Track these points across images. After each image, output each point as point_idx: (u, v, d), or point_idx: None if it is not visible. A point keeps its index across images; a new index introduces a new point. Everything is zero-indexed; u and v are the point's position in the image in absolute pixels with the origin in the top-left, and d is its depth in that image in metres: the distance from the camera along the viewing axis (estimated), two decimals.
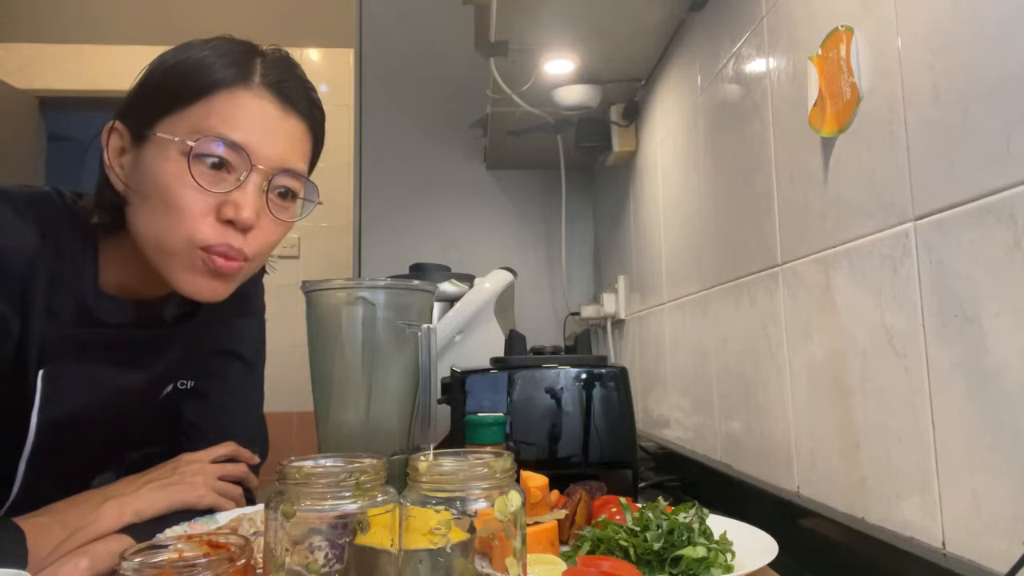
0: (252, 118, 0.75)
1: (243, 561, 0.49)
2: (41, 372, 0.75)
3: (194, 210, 0.72)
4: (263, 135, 0.75)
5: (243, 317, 1.00)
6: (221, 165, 0.73)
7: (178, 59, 0.76)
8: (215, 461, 0.86)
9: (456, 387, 1.05)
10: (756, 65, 1.02)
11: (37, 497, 0.75)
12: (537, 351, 1.16)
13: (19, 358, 0.74)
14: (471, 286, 1.56)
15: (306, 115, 0.81)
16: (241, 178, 0.74)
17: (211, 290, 0.76)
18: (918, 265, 0.65)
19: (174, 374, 0.90)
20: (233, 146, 0.73)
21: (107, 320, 0.79)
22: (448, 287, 1.56)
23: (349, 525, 0.48)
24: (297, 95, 0.79)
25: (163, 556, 0.49)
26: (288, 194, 0.79)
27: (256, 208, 0.75)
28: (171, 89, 0.75)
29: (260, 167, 0.75)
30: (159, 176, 0.73)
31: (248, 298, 1.01)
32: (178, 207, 0.72)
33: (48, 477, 0.80)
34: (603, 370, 1.04)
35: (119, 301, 0.80)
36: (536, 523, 0.72)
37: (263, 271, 1.04)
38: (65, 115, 3.53)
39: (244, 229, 0.75)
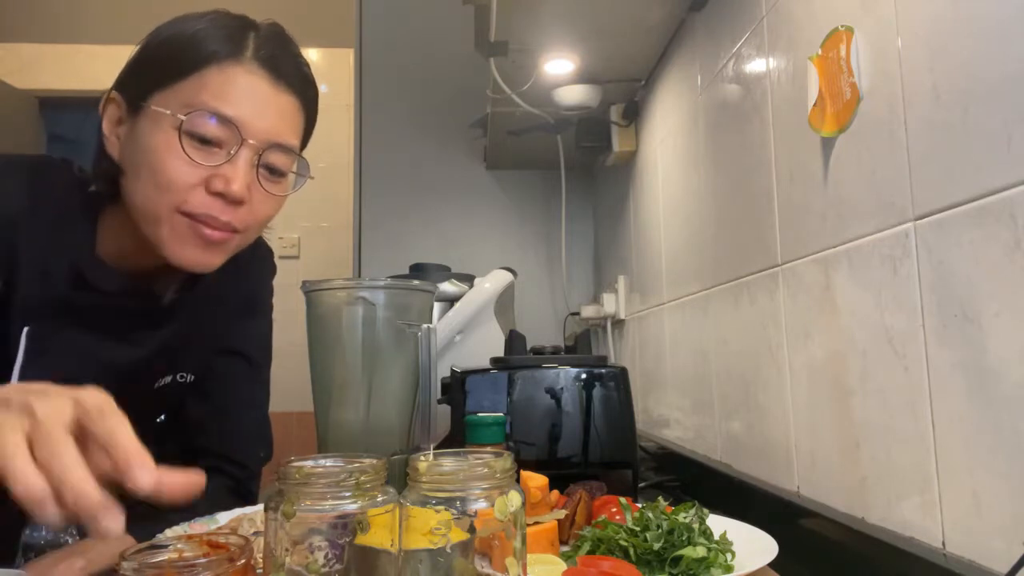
0: (243, 93, 0.75)
1: (243, 561, 0.49)
2: (26, 329, 0.76)
3: (183, 182, 0.73)
4: (254, 110, 0.76)
5: (249, 317, 1.00)
6: (212, 139, 0.74)
7: (173, 32, 0.77)
8: None
9: (456, 387, 1.05)
10: (756, 65, 1.02)
11: None
12: (537, 351, 1.16)
13: (3, 314, 0.75)
14: (471, 286, 1.56)
15: (298, 90, 0.81)
16: (232, 152, 0.74)
17: (200, 259, 0.77)
18: (918, 265, 0.65)
19: (172, 363, 0.90)
20: (224, 121, 0.74)
21: (99, 287, 0.80)
22: (448, 287, 1.56)
23: (349, 525, 0.48)
24: (289, 70, 0.79)
25: (163, 556, 0.49)
26: (279, 167, 0.79)
27: (247, 182, 0.75)
28: (165, 62, 0.76)
29: (251, 141, 0.75)
30: (151, 148, 0.74)
31: (255, 298, 1.01)
32: (167, 178, 0.73)
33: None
34: (603, 370, 1.04)
35: (114, 271, 0.81)
36: (536, 523, 0.72)
37: (273, 271, 1.04)
38: (65, 115, 3.53)
39: (234, 202, 0.75)
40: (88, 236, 0.80)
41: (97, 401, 0.48)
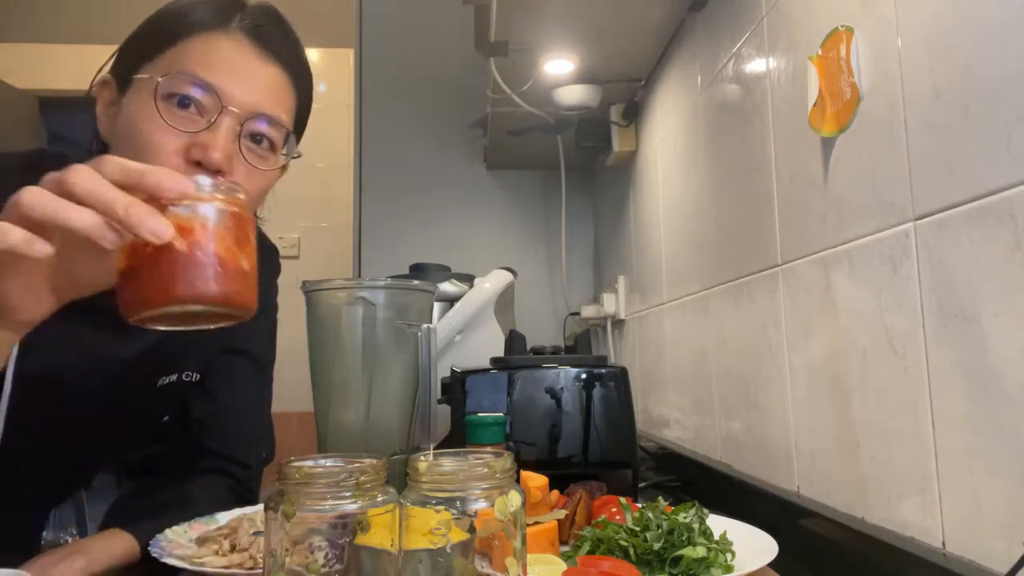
0: (226, 60, 0.74)
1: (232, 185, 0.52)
2: None
3: (160, 147, 0.70)
4: (236, 78, 0.74)
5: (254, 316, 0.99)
6: (190, 105, 0.71)
7: (164, 8, 0.76)
8: None
9: (456, 387, 1.05)
10: (756, 65, 1.02)
11: (20, 466, 0.73)
12: (537, 351, 1.16)
13: None
14: (471, 286, 1.56)
15: (287, 64, 0.78)
16: (212, 120, 0.72)
17: None
18: (918, 265, 0.65)
19: (175, 361, 0.89)
20: (203, 86, 0.71)
21: None
22: (448, 287, 1.56)
23: (349, 525, 0.48)
24: (277, 42, 0.77)
25: None
26: (264, 142, 0.76)
27: (227, 152, 0.72)
28: (151, 34, 0.75)
29: (233, 110, 0.72)
30: (132, 117, 0.72)
31: (260, 297, 1.00)
32: (146, 146, 0.70)
33: (32, 444, 0.77)
34: (603, 370, 1.04)
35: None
36: (536, 523, 0.72)
37: (277, 270, 1.04)
38: (65, 115, 3.52)
39: (213, 172, 0.71)
40: None
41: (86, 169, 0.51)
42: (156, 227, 0.48)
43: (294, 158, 0.80)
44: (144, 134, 0.71)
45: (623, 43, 1.48)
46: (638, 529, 0.68)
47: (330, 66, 3.41)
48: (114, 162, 0.50)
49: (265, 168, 0.77)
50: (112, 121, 0.76)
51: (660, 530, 0.68)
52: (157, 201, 0.49)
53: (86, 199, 0.49)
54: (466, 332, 1.49)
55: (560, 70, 1.59)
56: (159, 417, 0.94)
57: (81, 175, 0.49)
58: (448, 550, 0.46)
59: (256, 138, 0.76)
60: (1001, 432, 0.56)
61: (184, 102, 0.71)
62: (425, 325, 0.82)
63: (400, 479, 0.51)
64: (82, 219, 0.48)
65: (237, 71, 0.74)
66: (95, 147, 0.78)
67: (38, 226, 0.49)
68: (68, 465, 0.85)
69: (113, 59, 0.78)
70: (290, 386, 1.47)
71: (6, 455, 0.76)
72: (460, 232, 2.34)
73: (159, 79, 0.71)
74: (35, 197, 0.49)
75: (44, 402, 0.78)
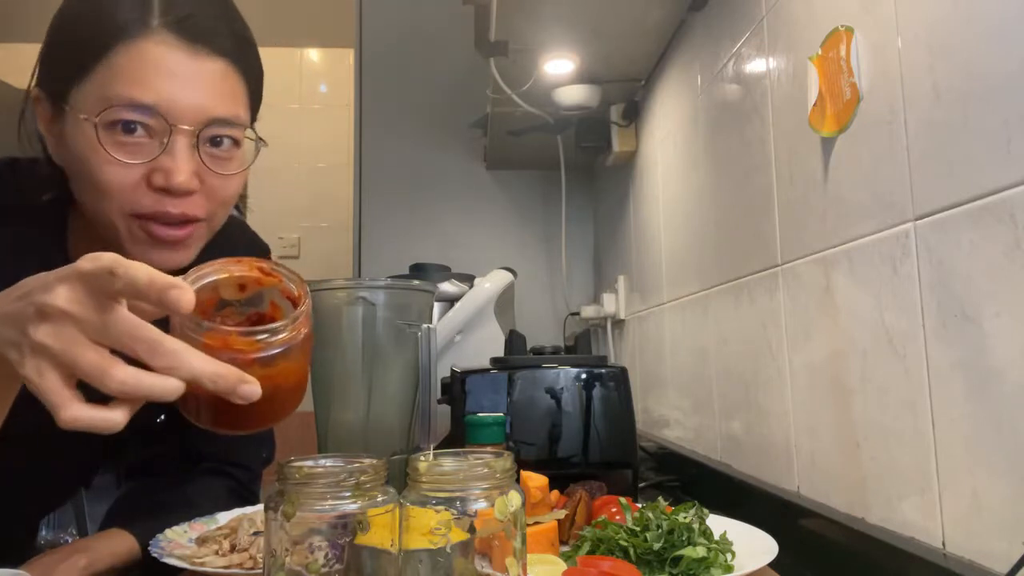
0: (158, 71, 0.66)
1: (305, 307, 0.50)
2: None
3: (120, 184, 0.66)
4: (176, 88, 0.67)
5: None
6: (137, 130, 0.66)
7: (74, 10, 0.70)
8: None
9: (456, 387, 1.05)
10: (756, 65, 1.02)
11: (12, 469, 0.73)
12: (537, 351, 1.16)
13: None
14: (471, 286, 1.56)
15: (226, 51, 0.70)
16: (164, 141, 0.66)
17: (169, 260, 0.70)
18: (918, 265, 0.65)
19: None
20: (145, 110, 0.65)
21: None
22: (448, 287, 1.56)
23: (349, 525, 0.48)
24: (209, 30, 0.69)
25: (212, 278, 0.50)
26: (225, 141, 0.71)
27: (191, 170, 0.67)
28: (71, 50, 0.68)
29: (183, 127, 0.67)
30: (79, 155, 0.67)
31: None
32: (104, 184, 0.66)
33: (23, 449, 0.77)
34: (603, 370, 1.04)
35: None
36: (536, 523, 0.72)
37: None
38: None
39: (182, 195, 0.68)
40: (58, 239, 0.75)
41: (95, 266, 0.47)
42: (247, 393, 0.47)
43: (262, 146, 0.75)
44: (96, 173, 0.66)
45: (623, 43, 1.48)
46: (638, 529, 0.68)
47: (330, 66, 3.41)
48: (196, 326, 0.47)
49: (232, 172, 0.72)
50: (60, 143, 0.71)
51: (660, 530, 0.68)
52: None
53: (170, 369, 0.45)
54: (466, 332, 1.49)
55: (560, 70, 1.59)
56: (155, 419, 0.94)
57: (170, 348, 0.45)
58: (448, 550, 0.46)
59: (216, 141, 0.71)
60: (1001, 432, 0.56)
61: (130, 127, 0.66)
62: (425, 325, 0.82)
63: (400, 479, 0.51)
64: (169, 386, 0.45)
65: (175, 78, 0.67)
66: (45, 169, 0.73)
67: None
68: (61, 468, 0.85)
69: (39, 71, 0.73)
70: None
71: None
72: (460, 232, 2.34)
73: (95, 119, 0.65)
74: (127, 369, 0.45)
75: (34, 411, 0.77)
